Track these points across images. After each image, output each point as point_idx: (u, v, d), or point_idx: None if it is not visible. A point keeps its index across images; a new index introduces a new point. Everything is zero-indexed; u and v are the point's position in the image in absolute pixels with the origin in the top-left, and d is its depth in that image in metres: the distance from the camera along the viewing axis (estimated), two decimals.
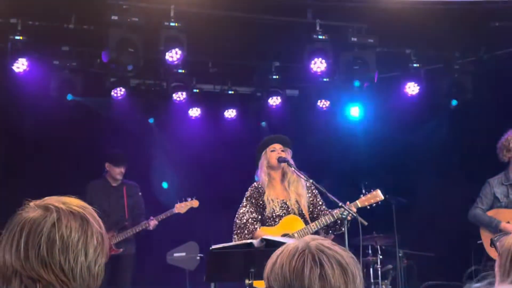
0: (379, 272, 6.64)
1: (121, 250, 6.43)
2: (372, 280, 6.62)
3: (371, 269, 6.67)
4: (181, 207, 6.61)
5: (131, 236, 6.52)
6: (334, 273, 1.37)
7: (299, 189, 4.94)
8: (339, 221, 4.78)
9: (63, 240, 1.36)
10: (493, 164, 5.76)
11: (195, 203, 6.69)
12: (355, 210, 4.69)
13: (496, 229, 5.42)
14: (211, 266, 3.97)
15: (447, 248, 7.01)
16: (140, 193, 6.80)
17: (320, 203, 5.01)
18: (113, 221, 6.45)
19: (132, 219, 6.61)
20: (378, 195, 4.89)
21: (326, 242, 1.45)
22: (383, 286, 6.61)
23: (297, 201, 4.92)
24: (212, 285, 6.58)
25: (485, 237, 5.53)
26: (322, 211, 4.97)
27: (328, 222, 4.79)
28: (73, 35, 6.42)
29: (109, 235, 6.30)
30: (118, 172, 6.61)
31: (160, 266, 7.19)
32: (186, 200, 6.67)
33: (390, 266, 6.76)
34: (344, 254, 1.43)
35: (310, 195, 4.99)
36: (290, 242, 1.50)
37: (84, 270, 1.37)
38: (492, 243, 5.31)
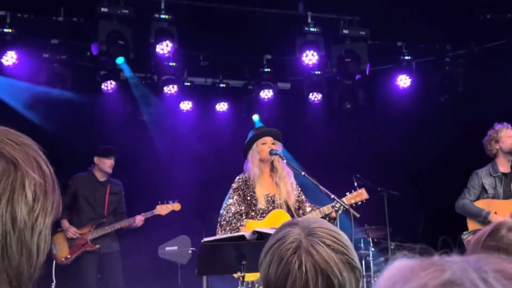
0: (371, 265, 6.65)
1: (97, 246, 6.21)
2: (364, 273, 6.62)
3: (363, 262, 6.68)
4: (162, 209, 6.48)
5: (113, 234, 6.37)
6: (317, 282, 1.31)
7: (288, 186, 4.90)
8: (327, 218, 4.75)
9: None
10: (484, 156, 5.77)
11: (176, 206, 6.57)
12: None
13: (485, 219, 5.42)
14: (202, 259, 3.94)
15: (439, 240, 7.03)
16: (123, 192, 6.65)
17: (305, 200, 4.98)
18: (93, 216, 6.35)
19: (112, 217, 6.46)
20: (363, 193, 4.88)
21: (322, 242, 1.35)
22: (375, 279, 6.61)
23: (285, 198, 4.89)
24: (204, 278, 6.60)
25: (472, 228, 5.56)
26: (307, 207, 4.94)
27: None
28: (63, 28, 6.36)
29: (85, 230, 6.24)
30: (109, 164, 6.44)
31: (152, 260, 7.16)
32: (167, 203, 6.55)
33: (381, 259, 6.77)
34: (338, 268, 1.32)
35: (296, 192, 4.96)
36: (287, 225, 1.44)
37: (11, 244, 0.87)
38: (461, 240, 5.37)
